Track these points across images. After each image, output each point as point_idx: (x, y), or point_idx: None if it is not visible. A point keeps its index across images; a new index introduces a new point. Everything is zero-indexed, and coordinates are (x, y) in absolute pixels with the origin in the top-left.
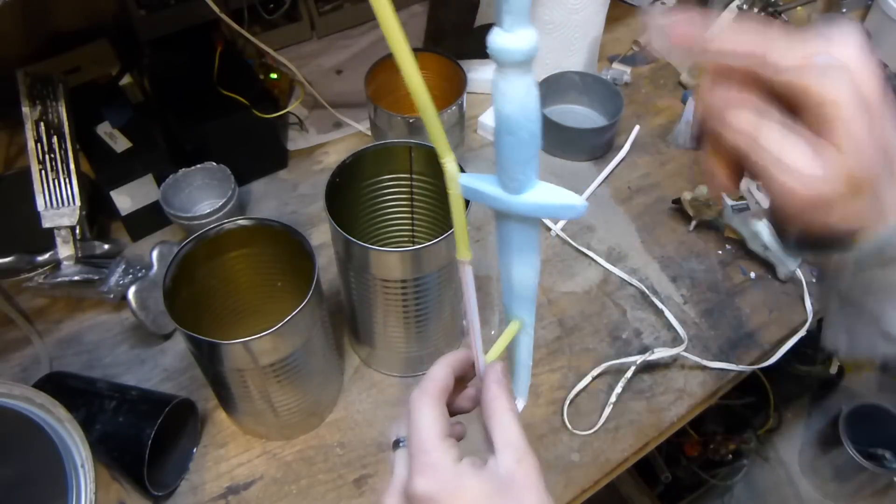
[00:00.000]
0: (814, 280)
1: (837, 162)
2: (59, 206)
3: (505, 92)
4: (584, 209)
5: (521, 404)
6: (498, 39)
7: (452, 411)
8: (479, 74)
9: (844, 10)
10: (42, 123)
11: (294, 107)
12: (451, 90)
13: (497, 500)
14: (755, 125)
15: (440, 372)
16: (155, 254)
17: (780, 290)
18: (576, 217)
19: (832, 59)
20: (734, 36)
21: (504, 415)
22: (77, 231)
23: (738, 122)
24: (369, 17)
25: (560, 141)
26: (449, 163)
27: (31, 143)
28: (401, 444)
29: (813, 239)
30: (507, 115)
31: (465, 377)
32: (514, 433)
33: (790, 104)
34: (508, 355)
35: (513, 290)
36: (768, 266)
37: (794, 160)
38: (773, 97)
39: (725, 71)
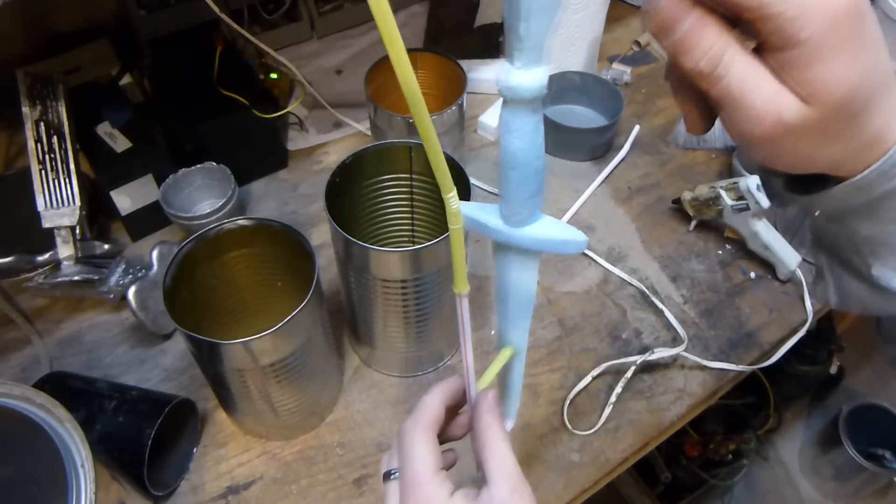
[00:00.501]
0: (812, 277)
1: (797, 104)
2: (59, 206)
3: (513, 128)
4: (584, 244)
5: (509, 425)
6: (509, 77)
7: (444, 439)
8: (479, 74)
9: None
10: (42, 123)
11: (294, 107)
12: (451, 90)
13: None
14: (719, 54)
15: (433, 402)
16: (155, 254)
17: (780, 289)
18: (576, 252)
19: None
20: None
21: (497, 444)
22: (77, 231)
23: (698, 48)
24: (369, 17)
25: (560, 141)
26: (452, 199)
27: (31, 143)
28: (392, 476)
29: (793, 178)
30: (514, 151)
31: (457, 405)
32: (509, 463)
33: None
34: (500, 379)
35: (508, 318)
36: (768, 266)
37: (753, 99)
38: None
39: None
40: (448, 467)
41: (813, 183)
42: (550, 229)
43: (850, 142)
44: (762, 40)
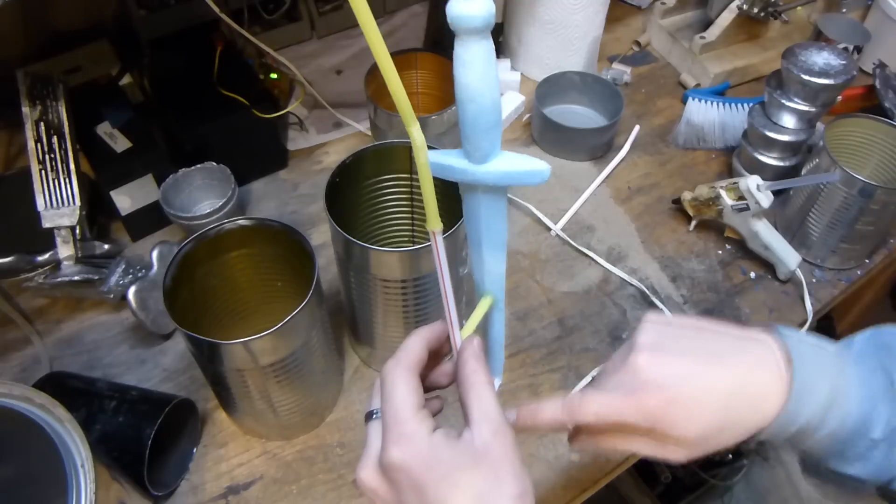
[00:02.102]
0: (813, 281)
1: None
2: (59, 206)
3: (465, 60)
4: (548, 173)
5: (497, 383)
6: (456, 7)
7: (429, 386)
8: None
9: (844, 10)
10: (42, 123)
11: (294, 107)
12: (451, 90)
13: (471, 471)
14: (631, 451)
15: (414, 344)
16: (155, 254)
17: (780, 289)
18: (541, 182)
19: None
20: (543, 414)
21: (481, 388)
22: (77, 231)
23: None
24: None
25: (560, 141)
26: (416, 131)
27: (31, 143)
28: (374, 416)
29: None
30: (468, 84)
31: (440, 351)
32: (491, 406)
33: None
34: (481, 333)
35: (483, 266)
36: (768, 266)
37: (666, 457)
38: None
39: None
40: (434, 413)
41: None
42: (513, 162)
43: (735, 433)
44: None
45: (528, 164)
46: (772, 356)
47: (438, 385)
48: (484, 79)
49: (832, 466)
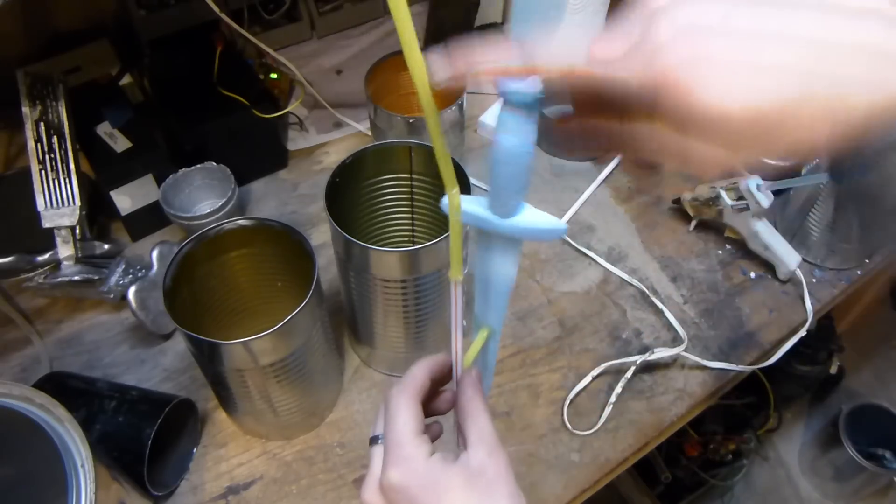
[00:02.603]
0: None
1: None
2: (59, 206)
3: (510, 128)
4: (564, 231)
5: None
6: (512, 84)
7: (429, 412)
8: None
9: None
10: (42, 123)
11: (294, 107)
12: (451, 90)
13: (467, 491)
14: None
15: (419, 372)
16: (155, 254)
17: (780, 289)
18: (557, 238)
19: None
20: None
21: (478, 414)
22: (77, 231)
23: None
24: (369, 17)
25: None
26: (455, 195)
27: (31, 143)
28: (378, 441)
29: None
30: (508, 149)
31: (441, 380)
32: (487, 430)
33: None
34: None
35: (488, 302)
36: (768, 266)
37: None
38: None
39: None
40: (434, 438)
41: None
42: (535, 218)
43: (829, 129)
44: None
45: (549, 223)
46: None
47: (437, 412)
48: (524, 145)
49: None
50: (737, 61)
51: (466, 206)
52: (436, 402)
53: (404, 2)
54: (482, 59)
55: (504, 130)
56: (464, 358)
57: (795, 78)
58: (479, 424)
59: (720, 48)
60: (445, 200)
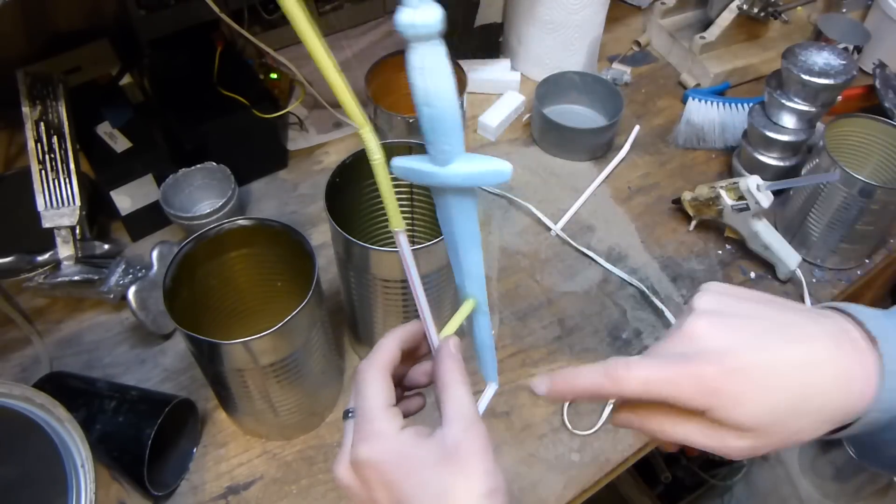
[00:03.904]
0: None
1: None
2: (59, 206)
3: (416, 66)
4: (510, 173)
5: (492, 389)
6: (405, 16)
7: (409, 385)
8: (479, 74)
9: (844, 10)
10: (42, 123)
11: (294, 107)
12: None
13: (440, 468)
14: (682, 438)
15: (387, 344)
16: (155, 254)
17: (780, 290)
18: (504, 181)
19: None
20: (583, 379)
21: (455, 387)
22: (77, 231)
23: (666, 438)
24: (369, 17)
25: (560, 141)
26: (366, 133)
27: (31, 143)
28: (350, 415)
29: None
30: (421, 88)
31: (418, 350)
32: (465, 404)
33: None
34: (472, 341)
35: (461, 268)
36: (768, 266)
37: (724, 448)
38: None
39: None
40: (414, 411)
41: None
42: (475, 164)
43: (817, 426)
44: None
45: (490, 165)
46: (848, 331)
47: (418, 384)
48: (435, 83)
49: None
50: (756, 372)
51: (403, 162)
52: (414, 372)
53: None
54: (579, 382)
55: (413, 70)
56: (443, 330)
57: (793, 393)
58: (455, 397)
59: (748, 363)
60: (394, 162)
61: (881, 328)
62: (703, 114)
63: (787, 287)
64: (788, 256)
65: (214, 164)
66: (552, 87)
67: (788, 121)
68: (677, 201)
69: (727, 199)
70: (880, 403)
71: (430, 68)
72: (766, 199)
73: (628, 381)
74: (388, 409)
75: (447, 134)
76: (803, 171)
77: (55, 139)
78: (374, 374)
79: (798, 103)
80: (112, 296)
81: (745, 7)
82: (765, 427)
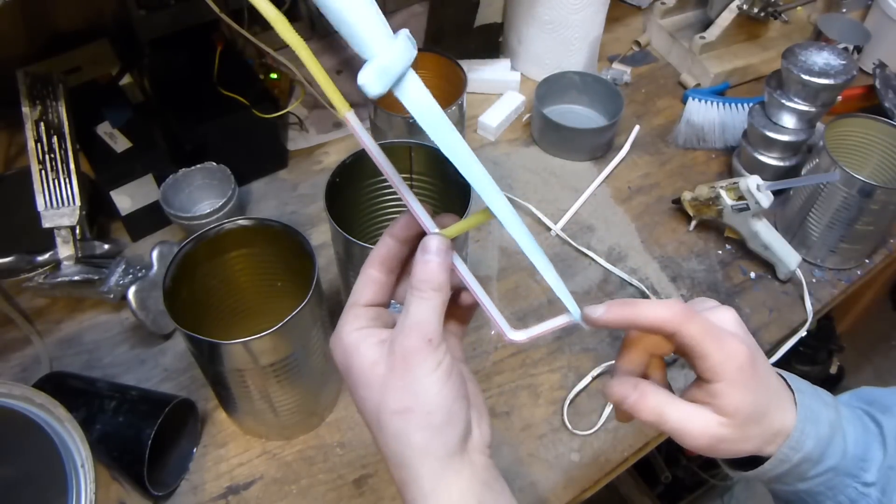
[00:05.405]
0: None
1: (720, 422)
2: (59, 206)
3: None
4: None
5: (570, 318)
6: None
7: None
8: (479, 74)
9: (844, 10)
10: (42, 123)
11: (294, 107)
12: (451, 90)
13: (369, 374)
14: (658, 411)
15: (382, 240)
16: (155, 254)
17: (780, 289)
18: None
19: (725, 330)
20: (653, 311)
21: (427, 292)
22: (77, 231)
23: (645, 412)
24: None
25: (560, 141)
26: (278, 21)
27: (31, 143)
28: None
29: (734, 461)
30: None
31: (413, 242)
32: (423, 319)
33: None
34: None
35: (461, 168)
36: (768, 266)
37: (691, 428)
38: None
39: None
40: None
41: (749, 462)
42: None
43: (761, 438)
44: (698, 376)
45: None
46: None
47: None
48: None
49: None
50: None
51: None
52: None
53: None
54: (643, 314)
55: None
56: (449, 228)
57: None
58: (421, 305)
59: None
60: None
61: (797, 384)
62: (703, 114)
63: (787, 287)
64: (788, 256)
65: (214, 164)
66: (552, 87)
67: (788, 121)
68: (677, 201)
69: (727, 199)
70: (788, 445)
71: None
72: (766, 199)
73: (694, 322)
74: (353, 307)
75: (352, 38)
76: (803, 171)
77: (55, 139)
78: (362, 272)
79: (798, 103)
80: (112, 296)
81: (744, 7)
82: (743, 407)
